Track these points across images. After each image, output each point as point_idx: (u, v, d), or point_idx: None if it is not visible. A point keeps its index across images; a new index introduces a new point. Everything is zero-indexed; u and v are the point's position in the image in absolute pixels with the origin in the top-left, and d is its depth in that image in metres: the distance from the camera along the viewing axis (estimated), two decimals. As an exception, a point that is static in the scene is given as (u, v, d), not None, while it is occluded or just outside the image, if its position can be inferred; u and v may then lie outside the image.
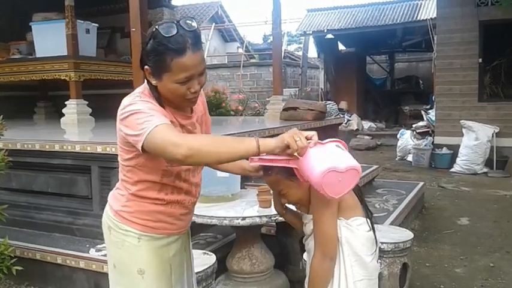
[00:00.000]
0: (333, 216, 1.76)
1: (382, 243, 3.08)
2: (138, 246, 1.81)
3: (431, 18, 11.53)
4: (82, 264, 3.55)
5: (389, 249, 3.08)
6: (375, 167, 6.23)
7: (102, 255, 3.55)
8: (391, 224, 4.31)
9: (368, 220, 1.82)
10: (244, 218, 2.88)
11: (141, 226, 1.81)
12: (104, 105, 6.82)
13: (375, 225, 1.88)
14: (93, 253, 3.62)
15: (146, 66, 1.72)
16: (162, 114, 1.66)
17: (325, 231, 1.76)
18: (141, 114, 1.64)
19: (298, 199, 1.86)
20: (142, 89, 1.78)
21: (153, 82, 1.71)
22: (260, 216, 2.93)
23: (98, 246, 3.74)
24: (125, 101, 1.74)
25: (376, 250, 1.85)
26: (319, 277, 1.80)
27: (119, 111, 1.73)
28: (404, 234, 3.30)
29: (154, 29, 1.68)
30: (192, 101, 1.77)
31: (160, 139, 1.55)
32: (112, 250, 1.89)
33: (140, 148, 1.61)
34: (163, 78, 1.68)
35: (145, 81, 1.78)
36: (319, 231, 1.77)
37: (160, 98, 1.74)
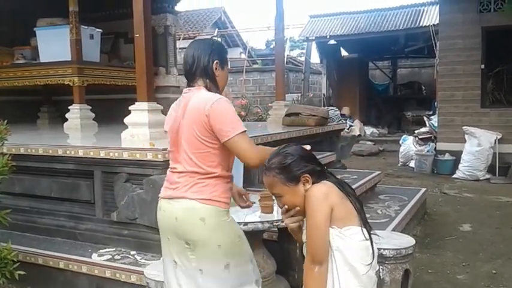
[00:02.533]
0: (324, 224, 1.77)
1: (384, 249, 3.08)
2: (229, 221, 2.20)
3: (433, 25, 11.58)
4: (84, 269, 3.57)
5: (391, 256, 3.08)
6: (377, 172, 6.23)
7: (104, 260, 3.57)
8: (393, 230, 4.30)
9: (364, 230, 1.81)
10: (246, 224, 2.88)
11: (225, 204, 2.17)
12: (107, 110, 6.88)
13: (375, 234, 1.89)
14: (95, 258, 3.63)
15: (216, 60, 2.23)
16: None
17: (315, 237, 1.79)
18: (233, 114, 2.13)
19: (292, 204, 1.88)
20: (217, 94, 2.20)
21: (218, 73, 2.24)
22: (262, 222, 2.94)
23: (101, 251, 3.76)
24: (213, 96, 2.13)
25: (372, 262, 1.83)
26: (310, 282, 1.82)
27: (208, 105, 2.08)
28: (406, 240, 3.30)
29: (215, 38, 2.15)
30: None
31: (246, 144, 2.10)
32: (213, 236, 2.12)
33: (223, 141, 2.09)
34: (224, 69, 2.30)
35: (207, 84, 2.21)
36: (309, 237, 1.80)
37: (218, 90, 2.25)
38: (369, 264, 1.79)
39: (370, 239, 1.82)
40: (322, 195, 1.78)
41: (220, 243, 2.12)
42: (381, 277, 3.07)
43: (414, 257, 4.41)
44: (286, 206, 1.90)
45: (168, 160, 3.53)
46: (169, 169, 2.27)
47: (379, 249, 3.07)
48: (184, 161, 2.15)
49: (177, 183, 2.17)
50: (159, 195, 2.29)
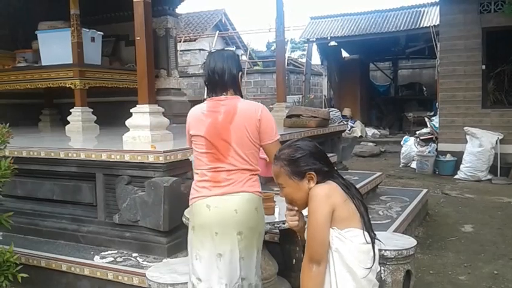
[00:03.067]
0: (324, 224, 1.77)
1: (385, 250, 3.08)
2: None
3: (434, 25, 11.59)
4: (87, 272, 3.57)
5: (392, 256, 3.08)
6: (378, 174, 6.23)
7: (106, 262, 3.58)
8: (395, 231, 4.31)
9: (365, 233, 1.79)
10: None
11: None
12: (108, 113, 6.90)
13: (377, 239, 1.87)
14: (97, 260, 3.64)
15: (240, 71, 2.55)
16: None
17: (314, 236, 1.79)
18: (274, 121, 2.57)
19: (292, 198, 1.90)
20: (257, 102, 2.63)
21: (241, 83, 2.57)
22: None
23: (103, 253, 3.76)
24: (257, 104, 2.55)
25: (373, 266, 1.81)
26: (307, 281, 1.84)
27: (258, 110, 2.48)
28: (408, 242, 3.30)
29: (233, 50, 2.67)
30: None
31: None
32: (260, 223, 2.49)
33: (266, 143, 2.48)
34: (243, 78, 2.58)
35: (237, 93, 2.53)
36: (309, 236, 1.80)
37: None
38: (368, 268, 1.78)
39: (372, 242, 1.80)
40: (325, 195, 1.78)
41: (261, 230, 2.51)
42: (383, 278, 3.08)
43: (416, 258, 4.42)
44: (289, 206, 1.92)
45: (170, 162, 3.59)
46: (207, 170, 2.42)
47: (380, 250, 3.10)
48: (235, 159, 2.40)
49: (229, 180, 2.39)
50: (200, 195, 2.41)
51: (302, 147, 1.88)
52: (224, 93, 2.48)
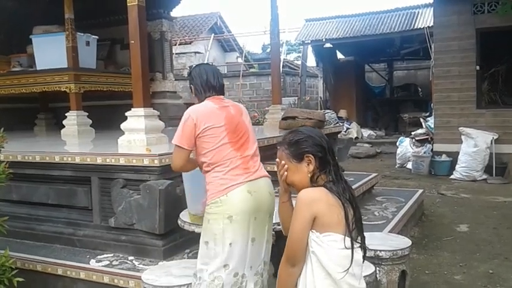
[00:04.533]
0: (301, 231, 1.78)
1: (380, 250, 3.10)
2: None
3: (428, 27, 11.64)
4: (83, 275, 3.57)
5: (387, 257, 3.09)
6: (374, 174, 6.26)
7: (102, 266, 3.58)
8: (390, 231, 4.33)
9: (346, 238, 1.76)
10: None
11: None
12: (104, 116, 6.89)
13: (362, 246, 1.86)
14: (93, 264, 3.64)
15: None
16: None
17: (292, 240, 1.81)
18: None
19: (292, 181, 1.92)
20: None
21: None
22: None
23: (99, 256, 3.77)
24: None
25: (350, 269, 1.78)
26: (281, 280, 1.86)
27: (247, 112, 2.77)
28: (403, 242, 3.31)
29: None
30: None
31: None
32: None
33: None
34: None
35: None
36: (288, 237, 1.84)
37: None
38: (344, 271, 1.76)
39: (352, 247, 1.77)
40: (307, 201, 1.78)
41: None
42: (378, 278, 3.09)
43: (411, 258, 4.45)
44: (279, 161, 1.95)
45: (165, 165, 3.60)
46: (237, 158, 2.51)
47: (375, 250, 3.12)
48: (253, 146, 2.60)
49: (255, 165, 2.56)
50: (236, 182, 2.45)
51: (303, 131, 1.92)
52: (220, 95, 2.70)
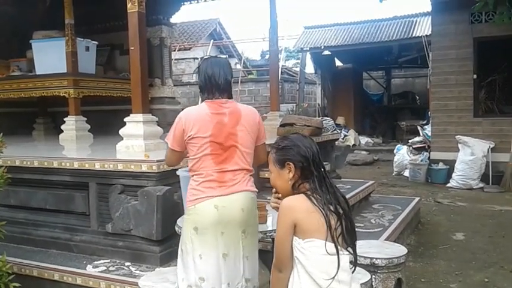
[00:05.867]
0: (283, 237, 1.82)
1: (376, 258, 3.12)
2: None
3: (426, 35, 11.71)
4: (79, 281, 3.57)
5: (383, 265, 3.11)
6: (371, 182, 6.27)
7: (99, 272, 3.59)
8: (387, 239, 4.35)
9: (328, 244, 1.76)
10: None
11: None
12: (102, 122, 6.90)
13: (348, 251, 1.85)
14: (90, 269, 3.65)
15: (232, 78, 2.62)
16: None
17: (276, 245, 1.87)
18: None
19: (274, 184, 1.96)
20: None
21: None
22: (256, 232, 2.96)
23: (95, 262, 3.77)
24: (253, 108, 2.65)
25: (336, 276, 1.77)
26: (272, 285, 1.91)
27: (257, 115, 2.62)
28: (399, 250, 3.33)
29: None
30: None
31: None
32: (257, 222, 2.63)
33: (259, 144, 2.64)
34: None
35: (232, 97, 2.60)
36: (275, 243, 1.89)
37: None
38: (330, 279, 1.76)
39: (337, 253, 1.77)
40: (287, 208, 1.82)
41: (257, 229, 2.59)
42: (374, 286, 3.10)
43: (407, 266, 4.46)
44: (274, 190, 1.99)
45: (163, 171, 3.61)
46: (213, 171, 2.43)
47: (371, 258, 3.13)
48: (239, 160, 2.48)
49: (234, 179, 2.45)
50: (205, 195, 2.41)
51: (291, 139, 1.93)
52: (221, 97, 2.51)
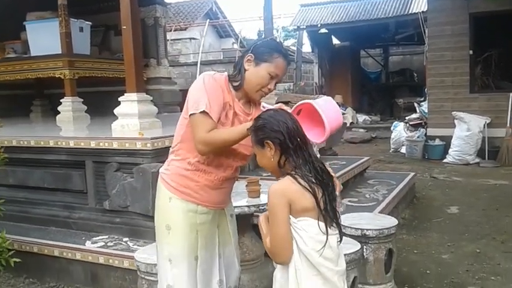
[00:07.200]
0: (283, 221, 1.76)
1: (367, 229, 3.19)
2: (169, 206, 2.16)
3: (422, 12, 11.63)
4: (78, 256, 3.66)
5: (374, 236, 3.18)
6: (366, 158, 6.33)
7: (98, 247, 3.67)
8: (380, 212, 4.41)
9: (320, 223, 1.76)
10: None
11: (173, 189, 2.14)
12: (98, 102, 6.92)
13: (338, 230, 1.85)
14: (89, 245, 3.73)
15: (250, 54, 2.10)
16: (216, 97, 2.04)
17: (276, 236, 1.78)
18: (199, 91, 2.03)
19: (262, 164, 1.90)
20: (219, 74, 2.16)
21: (247, 67, 2.11)
22: (249, 206, 3.03)
23: (94, 238, 3.85)
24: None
25: (323, 252, 1.76)
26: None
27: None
28: (389, 221, 3.40)
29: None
30: (260, 95, 2.17)
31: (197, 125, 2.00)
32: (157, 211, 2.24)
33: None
34: (262, 66, 2.08)
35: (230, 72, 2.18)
36: (271, 236, 1.80)
37: (240, 83, 2.12)
38: (319, 250, 1.76)
39: (327, 232, 1.77)
40: (278, 191, 1.77)
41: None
42: (365, 256, 3.18)
43: (401, 239, 4.56)
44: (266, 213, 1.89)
45: (157, 148, 3.67)
46: None
47: (362, 229, 3.20)
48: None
49: None
50: None
51: (264, 117, 1.87)
52: None
